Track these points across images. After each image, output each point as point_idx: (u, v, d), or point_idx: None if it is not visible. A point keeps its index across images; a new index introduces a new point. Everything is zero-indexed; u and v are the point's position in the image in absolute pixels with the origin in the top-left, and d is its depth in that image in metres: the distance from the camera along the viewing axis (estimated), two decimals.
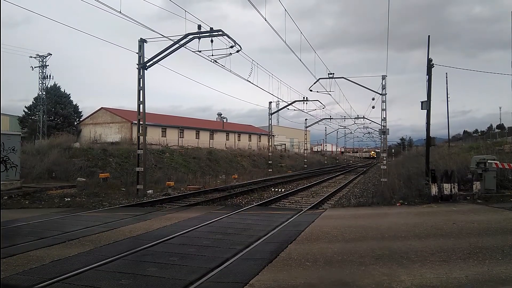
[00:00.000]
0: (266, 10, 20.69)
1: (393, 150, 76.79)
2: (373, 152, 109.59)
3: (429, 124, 16.55)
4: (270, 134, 41.59)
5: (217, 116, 70.88)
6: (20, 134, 20.36)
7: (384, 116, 26.40)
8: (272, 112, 38.11)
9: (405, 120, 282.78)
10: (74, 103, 48.57)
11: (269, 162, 36.95)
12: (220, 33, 16.36)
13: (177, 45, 16.78)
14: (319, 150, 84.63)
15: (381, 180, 22.32)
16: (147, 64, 17.29)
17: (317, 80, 27.72)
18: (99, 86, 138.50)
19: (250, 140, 64.46)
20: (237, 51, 17.15)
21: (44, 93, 42.13)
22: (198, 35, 16.36)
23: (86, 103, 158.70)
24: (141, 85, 17.35)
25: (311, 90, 28.95)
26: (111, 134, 42.73)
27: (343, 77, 27.05)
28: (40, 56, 41.46)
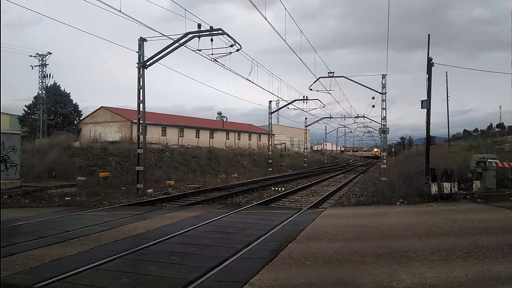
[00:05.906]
0: (270, 13, 20.65)
1: (393, 149, 76.87)
2: (376, 150, 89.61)
3: (429, 123, 16.52)
4: (270, 133, 41.54)
5: (217, 115, 70.82)
6: (20, 133, 20.37)
7: (384, 115, 26.37)
8: (272, 111, 38.08)
9: (406, 120, 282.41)
10: (74, 102, 48.61)
11: (269, 161, 36.93)
12: (220, 32, 16.35)
13: (177, 44, 16.77)
14: (319, 149, 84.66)
15: (381, 179, 22.32)
16: (147, 63, 17.27)
17: (317, 79, 27.68)
18: (102, 86, 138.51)
19: (250, 139, 64.38)
20: (237, 50, 17.14)
21: (43, 92, 42.11)
22: (198, 34, 16.35)
23: (89, 102, 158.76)
24: (141, 84, 17.34)
25: (311, 89, 28.90)
26: (111, 133, 42.65)
27: (343, 76, 27.05)
28: (40, 55, 41.44)
